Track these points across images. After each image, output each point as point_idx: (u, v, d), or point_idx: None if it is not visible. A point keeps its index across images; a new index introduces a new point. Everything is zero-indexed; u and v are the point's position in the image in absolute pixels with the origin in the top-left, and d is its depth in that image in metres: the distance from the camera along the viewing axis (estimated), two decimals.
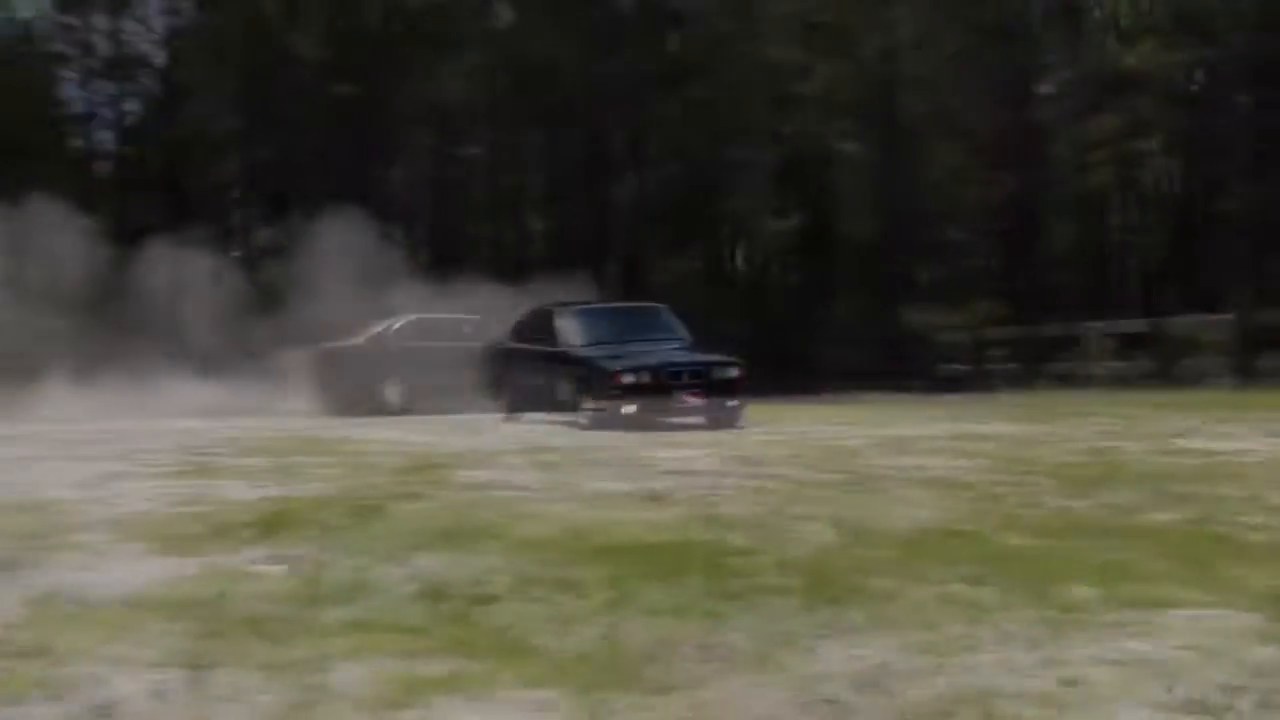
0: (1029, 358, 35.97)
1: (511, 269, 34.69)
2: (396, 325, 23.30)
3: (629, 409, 17.14)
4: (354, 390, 22.29)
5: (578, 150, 40.12)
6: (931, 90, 40.18)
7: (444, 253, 37.74)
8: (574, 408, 17.98)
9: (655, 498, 8.53)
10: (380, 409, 21.73)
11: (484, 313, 23.36)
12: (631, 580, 5.73)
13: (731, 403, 17.63)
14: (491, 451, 12.45)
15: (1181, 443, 12.59)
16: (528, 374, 19.43)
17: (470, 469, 10.60)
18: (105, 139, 41.20)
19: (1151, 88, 40.35)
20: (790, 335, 32.24)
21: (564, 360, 18.51)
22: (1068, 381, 32.69)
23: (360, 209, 31.17)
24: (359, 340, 23.25)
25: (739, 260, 45.00)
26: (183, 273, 29.64)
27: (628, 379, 17.56)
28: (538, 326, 19.59)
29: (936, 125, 40.60)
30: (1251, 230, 39.44)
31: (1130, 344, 35.74)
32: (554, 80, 38.60)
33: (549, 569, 6.04)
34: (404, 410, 21.67)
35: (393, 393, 22.33)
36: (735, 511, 7.87)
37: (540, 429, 17.02)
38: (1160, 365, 33.95)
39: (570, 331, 19.10)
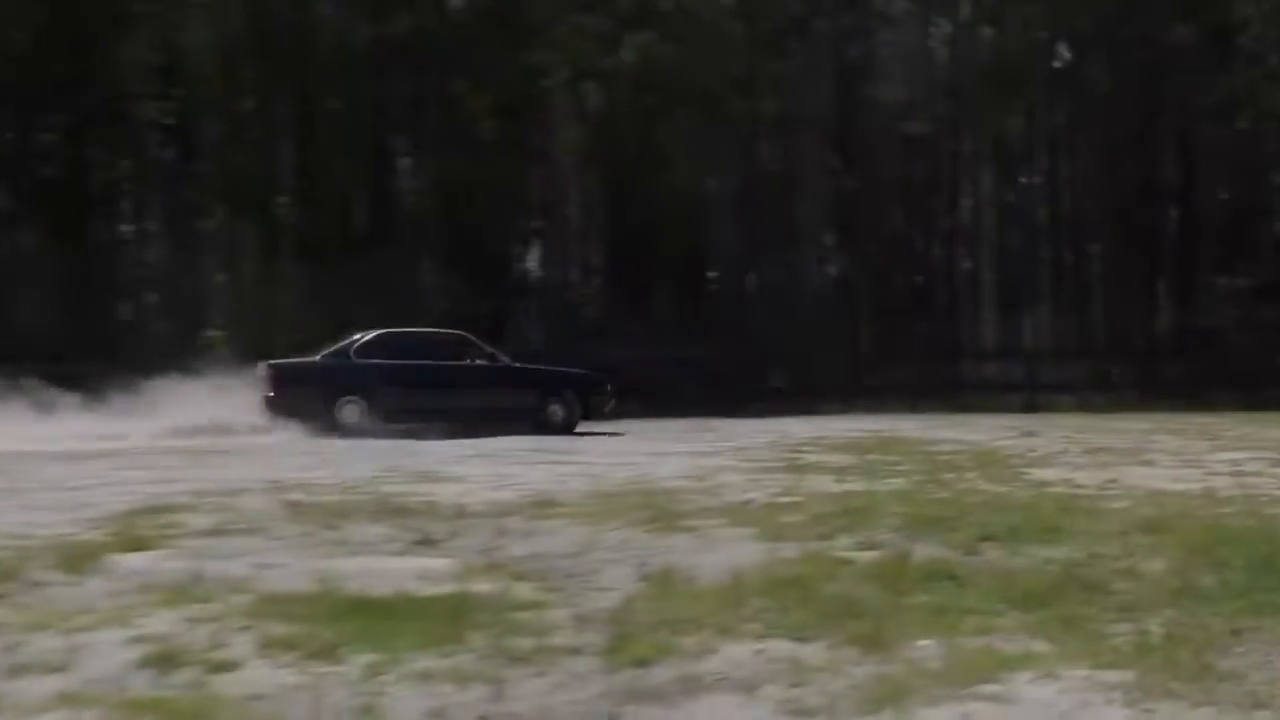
0: (850, 367, 36.80)
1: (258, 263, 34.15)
2: (361, 340, 23.91)
3: (610, 406, 23.45)
4: (308, 410, 22.79)
5: (345, 129, 39.60)
6: (750, 71, 40.58)
7: (181, 244, 37.05)
8: (538, 418, 22.60)
9: (428, 541, 8.47)
10: (337, 431, 22.24)
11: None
12: (399, 641, 5.67)
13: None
14: (250, 486, 12.23)
15: (1032, 473, 12.91)
16: (444, 388, 22.97)
17: (216, 508, 10.41)
18: None
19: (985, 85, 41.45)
20: (597, 350, 32.22)
21: (522, 371, 23.65)
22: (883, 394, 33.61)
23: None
24: (316, 356, 23.91)
25: (533, 264, 44.88)
26: None
27: (610, 384, 23.67)
28: (442, 345, 23.73)
29: (754, 112, 41.01)
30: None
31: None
32: (312, 44, 38.05)
33: (301, 629, 5.95)
34: (362, 433, 22.06)
35: (349, 414, 22.82)
36: (524, 556, 7.86)
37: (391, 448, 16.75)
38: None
39: (492, 349, 23.83)
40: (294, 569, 7.50)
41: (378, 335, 23.89)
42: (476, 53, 38.78)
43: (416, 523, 9.35)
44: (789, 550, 7.97)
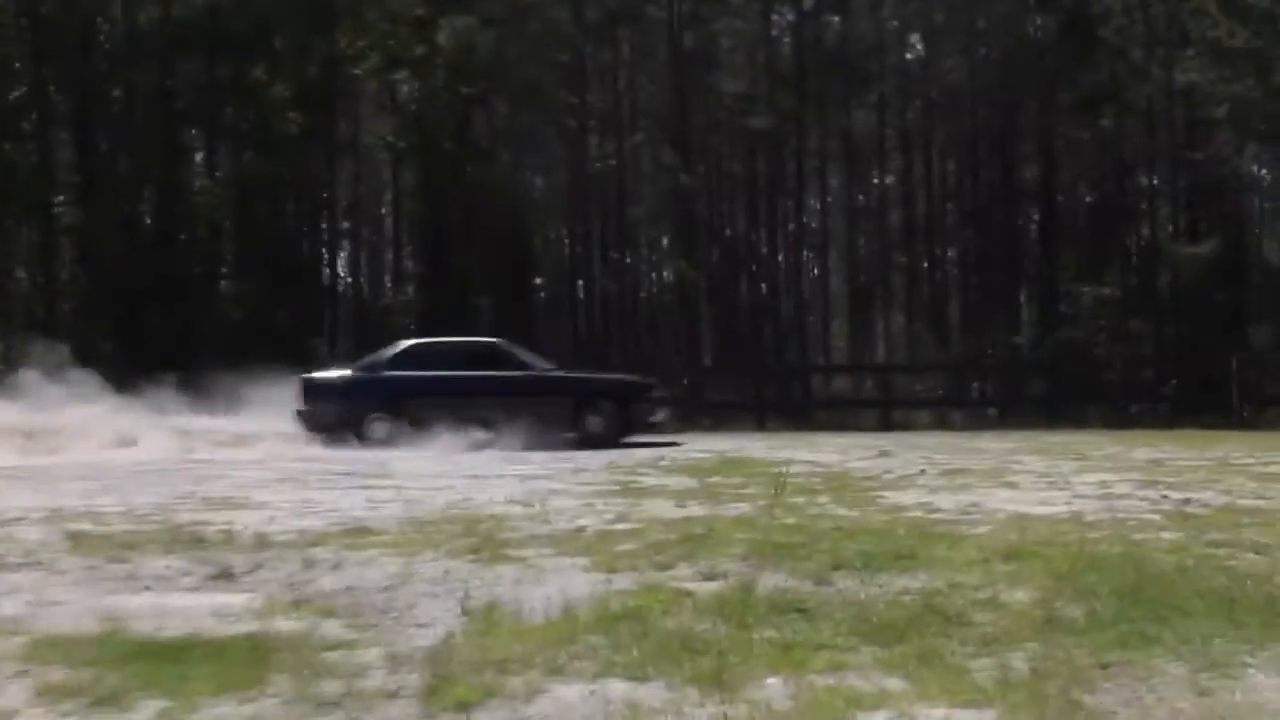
0: (690, 382, 37.11)
1: None
2: (393, 352, 25.41)
3: (657, 418, 25.10)
4: (339, 425, 23.95)
5: (130, 120, 39.06)
6: (579, 60, 40.66)
7: None
8: (577, 430, 23.96)
9: (226, 575, 8.37)
10: (368, 446, 23.28)
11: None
12: (193, 686, 5.60)
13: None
14: (29, 514, 11.98)
15: (887, 496, 13.05)
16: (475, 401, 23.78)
17: None
18: None
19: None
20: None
21: (556, 380, 24.84)
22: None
23: None
24: (347, 370, 25.52)
25: (341, 270, 44.55)
26: None
27: (656, 393, 25.62)
28: (475, 355, 24.98)
29: (583, 104, 41.07)
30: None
31: None
32: (93, 25, 37.48)
33: (84, 675, 5.84)
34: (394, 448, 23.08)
35: (379, 429, 23.97)
36: (332, 590, 7.79)
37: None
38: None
39: (533, 357, 25.55)
40: (76, 607, 7.38)
41: (410, 346, 25.56)
42: (277, 37, 38.39)
43: (213, 554, 9.25)
44: (625, 581, 7.98)
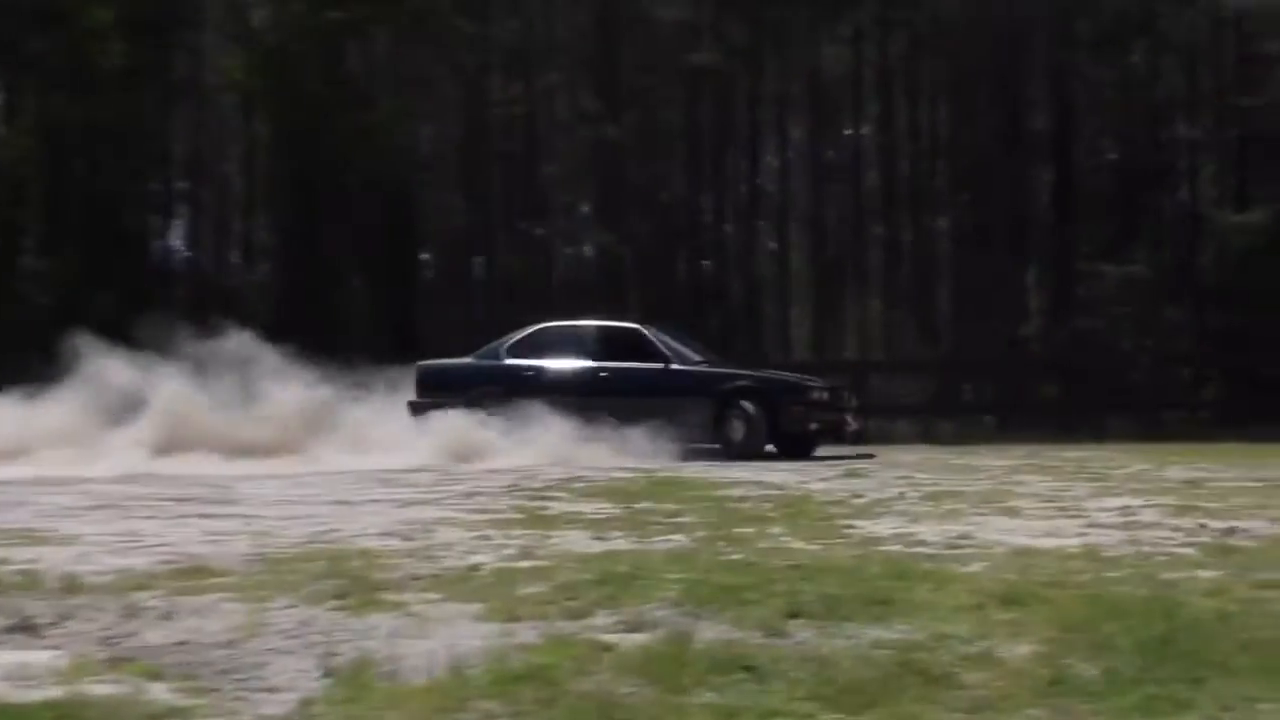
0: None
1: None
2: (515, 338, 26.83)
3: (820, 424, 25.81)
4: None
5: None
6: None
7: None
8: (717, 435, 24.83)
9: (26, 626, 8.33)
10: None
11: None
12: None
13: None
14: None
15: (856, 527, 13.11)
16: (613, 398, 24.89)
17: None
18: None
19: None
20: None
21: (690, 375, 25.62)
22: None
23: None
24: (467, 358, 26.91)
25: (178, 241, 44.33)
26: None
27: (817, 395, 25.90)
28: (607, 343, 26.11)
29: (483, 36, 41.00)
30: None
31: None
32: None
33: None
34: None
35: (492, 425, 24.93)
36: (161, 645, 7.76)
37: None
38: None
39: (681, 347, 26.43)
40: None
41: (534, 331, 26.77)
42: None
43: (9, 601, 9.20)
44: (528, 633, 7.98)
